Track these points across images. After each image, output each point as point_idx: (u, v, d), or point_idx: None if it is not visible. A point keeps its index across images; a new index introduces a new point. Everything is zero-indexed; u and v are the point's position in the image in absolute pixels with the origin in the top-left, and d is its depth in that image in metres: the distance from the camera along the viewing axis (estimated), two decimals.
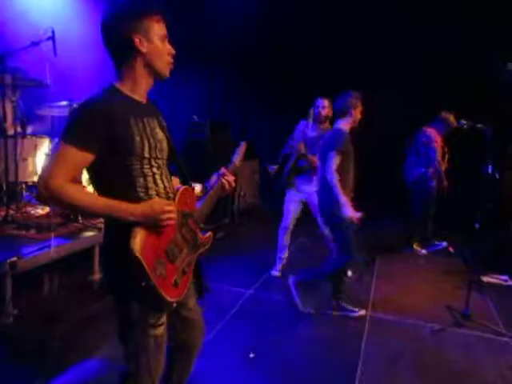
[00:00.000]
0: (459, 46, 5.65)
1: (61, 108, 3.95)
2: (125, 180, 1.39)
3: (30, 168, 3.94)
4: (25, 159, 3.87)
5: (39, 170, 3.82)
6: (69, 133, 1.31)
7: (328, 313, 3.30)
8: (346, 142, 3.08)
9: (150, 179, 1.43)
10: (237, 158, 1.90)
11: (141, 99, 1.46)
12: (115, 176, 1.38)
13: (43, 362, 2.45)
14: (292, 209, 3.92)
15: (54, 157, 1.32)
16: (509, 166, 5.29)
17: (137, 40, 1.38)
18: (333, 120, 3.38)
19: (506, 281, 4.21)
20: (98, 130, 1.31)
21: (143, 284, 1.30)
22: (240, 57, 6.92)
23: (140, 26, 1.38)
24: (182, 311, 1.67)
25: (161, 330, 1.49)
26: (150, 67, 1.43)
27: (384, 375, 2.54)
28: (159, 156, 1.47)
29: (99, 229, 3.44)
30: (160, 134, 1.48)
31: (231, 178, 1.76)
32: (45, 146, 4.01)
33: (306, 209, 3.94)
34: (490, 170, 3.20)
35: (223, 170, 1.79)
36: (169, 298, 1.39)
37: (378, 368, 2.61)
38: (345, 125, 3.13)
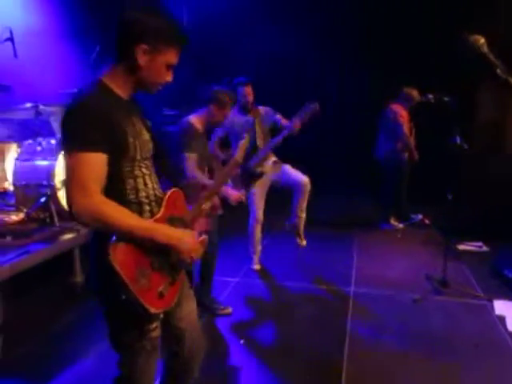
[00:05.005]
0: (420, 20, 5.76)
1: (26, 111, 3.84)
2: (115, 182, 1.34)
3: (0, 174, 3.84)
4: None
5: (9, 176, 3.73)
6: (78, 140, 1.24)
7: (313, 288, 3.38)
8: None
9: (140, 180, 1.40)
10: (238, 154, 1.78)
11: (127, 98, 1.41)
12: (106, 179, 1.31)
13: (32, 369, 2.43)
14: (259, 199, 3.77)
15: (76, 172, 1.23)
16: (477, 136, 5.45)
17: (140, 51, 1.32)
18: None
19: (480, 247, 4.37)
20: (101, 129, 1.26)
21: (123, 297, 1.26)
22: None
23: (155, 43, 1.32)
24: (171, 320, 1.56)
25: (154, 334, 1.45)
26: (139, 81, 1.38)
27: (371, 346, 2.63)
28: (147, 156, 1.44)
29: (77, 231, 3.40)
30: (146, 134, 1.44)
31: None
32: (13, 151, 3.90)
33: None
34: (458, 141, 3.30)
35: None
36: (153, 310, 1.32)
37: (364, 340, 2.70)
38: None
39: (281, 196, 4.03)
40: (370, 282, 3.53)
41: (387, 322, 2.90)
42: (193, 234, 1.44)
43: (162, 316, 1.41)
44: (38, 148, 3.78)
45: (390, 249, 4.41)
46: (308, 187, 3.70)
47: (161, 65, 1.36)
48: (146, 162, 1.43)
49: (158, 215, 1.41)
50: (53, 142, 3.91)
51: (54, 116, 3.90)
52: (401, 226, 5.09)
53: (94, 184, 1.25)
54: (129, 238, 1.27)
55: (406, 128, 4.80)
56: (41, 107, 3.74)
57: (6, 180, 3.81)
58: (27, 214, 3.49)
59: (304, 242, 3.97)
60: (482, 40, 1.11)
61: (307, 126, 3.59)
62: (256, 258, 3.96)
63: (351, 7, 6.26)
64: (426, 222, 5.17)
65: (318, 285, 3.52)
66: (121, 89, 1.37)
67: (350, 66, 6.69)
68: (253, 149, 3.69)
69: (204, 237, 1.56)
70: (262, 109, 3.78)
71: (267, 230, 4.08)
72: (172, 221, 1.45)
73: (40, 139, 3.85)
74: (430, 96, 3.51)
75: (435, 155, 5.23)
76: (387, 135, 4.91)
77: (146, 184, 1.42)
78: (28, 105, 3.76)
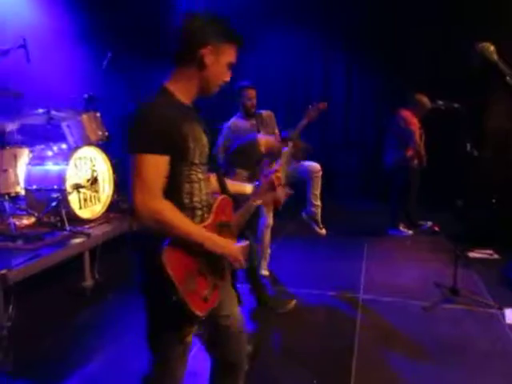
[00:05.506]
0: (430, 24, 5.75)
1: (38, 116, 3.89)
2: (172, 186, 1.37)
3: (12, 179, 3.88)
4: (5, 170, 3.81)
5: (21, 181, 3.77)
6: (142, 143, 1.30)
7: (321, 295, 3.36)
8: None
9: (195, 185, 1.43)
10: (282, 160, 1.80)
11: (189, 103, 1.46)
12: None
13: (40, 372, 2.45)
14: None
15: (141, 174, 1.28)
16: (487, 143, 5.42)
17: (207, 52, 1.39)
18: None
19: (491, 254, 4.32)
20: (165, 134, 1.31)
21: (173, 298, 1.30)
22: None
23: (218, 44, 1.41)
24: (214, 318, 1.57)
25: (190, 338, 1.49)
26: (203, 81, 1.44)
27: (380, 354, 2.61)
28: (204, 162, 1.47)
29: (87, 235, 3.43)
30: (204, 139, 1.47)
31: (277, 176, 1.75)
32: (25, 156, 3.95)
33: None
34: (468, 148, 3.28)
35: (268, 170, 1.76)
36: (198, 312, 1.37)
37: (373, 347, 2.67)
38: None
39: (287, 200, 4.01)
40: (379, 290, 3.50)
41: (396, 330, 2.87)
42: (232, 243, 1.50)
43: (203, 319, 1.44)
44: (50, 153, 3.83)
45: (400, 256, 4.38)
46: (318, 174, 3.70)
47: (223, 64, 1.45)
48: (202, 166, 1.47)
49: (208, 221, 1.47)
50: (64, 146, 3.96)
51: (66, 121, 3.95)
52: (410, 232, 5.05)
53: (158, 186, 1.31)
54: (183, 242, 1.32)
55: (416, 135, 4.77)
56: (53, 112, 3.79)
57: (18, 184, 3.85)
58: (38, 218, 3.53)
59: (323, 231, 3.91)
60: (492, 47, 1.11)
61: (316, 124, 3.57)
62: (264, 263, 3.94)
63: (360, 9, 6.26)
64: (436, 229, 5.12)
65: (327, 291, 3.50)
66: (184, 94, 1.43)
67: (357, 68, 6.68)
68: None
69: (247, 242, 1.60)
70: (264, 112, 3.70)
71: (275, 235, 4.06)
72: (220, 227, 1.50)
73: (51, 144, 3.91)
74: (440, 102, 3.49)
75: (445, 162, 5.20)
76: (396, 142, 4.88)
77: (200, 189, 1.46)
78: (40, 110, 3.82)
